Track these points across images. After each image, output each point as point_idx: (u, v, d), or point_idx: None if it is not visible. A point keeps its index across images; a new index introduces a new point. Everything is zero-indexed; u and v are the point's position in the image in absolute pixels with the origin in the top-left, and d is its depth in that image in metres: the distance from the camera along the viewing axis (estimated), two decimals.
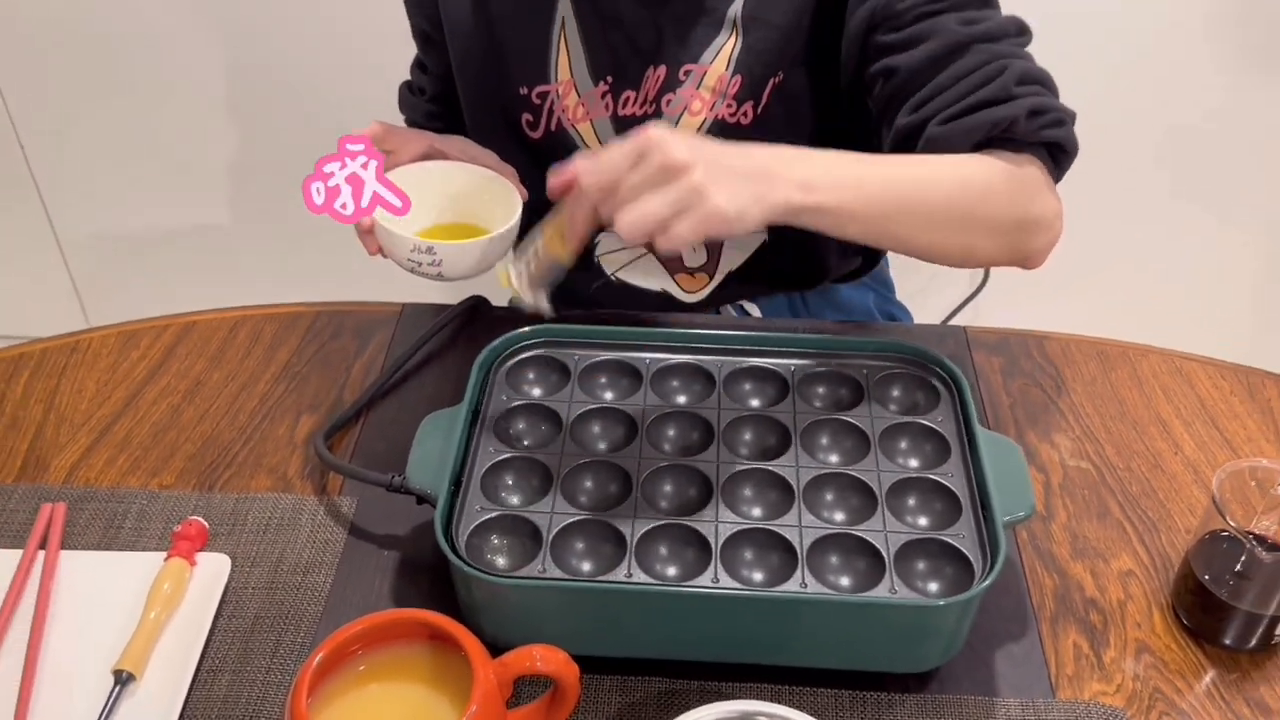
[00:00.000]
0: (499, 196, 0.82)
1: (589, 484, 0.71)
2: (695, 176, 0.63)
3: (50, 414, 0.84)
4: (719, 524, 0.67)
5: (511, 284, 0.72)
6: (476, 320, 0.93)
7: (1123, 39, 1.53)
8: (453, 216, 0.83)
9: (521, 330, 0.80)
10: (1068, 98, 0.81)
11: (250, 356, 0.89)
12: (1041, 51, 0.82)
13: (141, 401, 0.85)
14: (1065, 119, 0.80)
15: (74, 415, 0.84)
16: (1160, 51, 1.53)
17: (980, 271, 1.66)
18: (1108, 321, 1.06)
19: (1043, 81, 0.81)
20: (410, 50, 1.03)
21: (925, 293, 1.57)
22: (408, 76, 1.06)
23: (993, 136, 0.78)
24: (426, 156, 0.85)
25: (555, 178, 0.68)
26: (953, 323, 1.06)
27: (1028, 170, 0.79)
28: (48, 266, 1.86)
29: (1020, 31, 0.83)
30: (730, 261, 0.99)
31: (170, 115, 1.68)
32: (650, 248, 0.92)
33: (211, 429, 0.83)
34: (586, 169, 0.67)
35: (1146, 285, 1.71)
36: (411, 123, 1.03)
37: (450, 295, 0.95)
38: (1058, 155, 0.81)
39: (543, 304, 0.73)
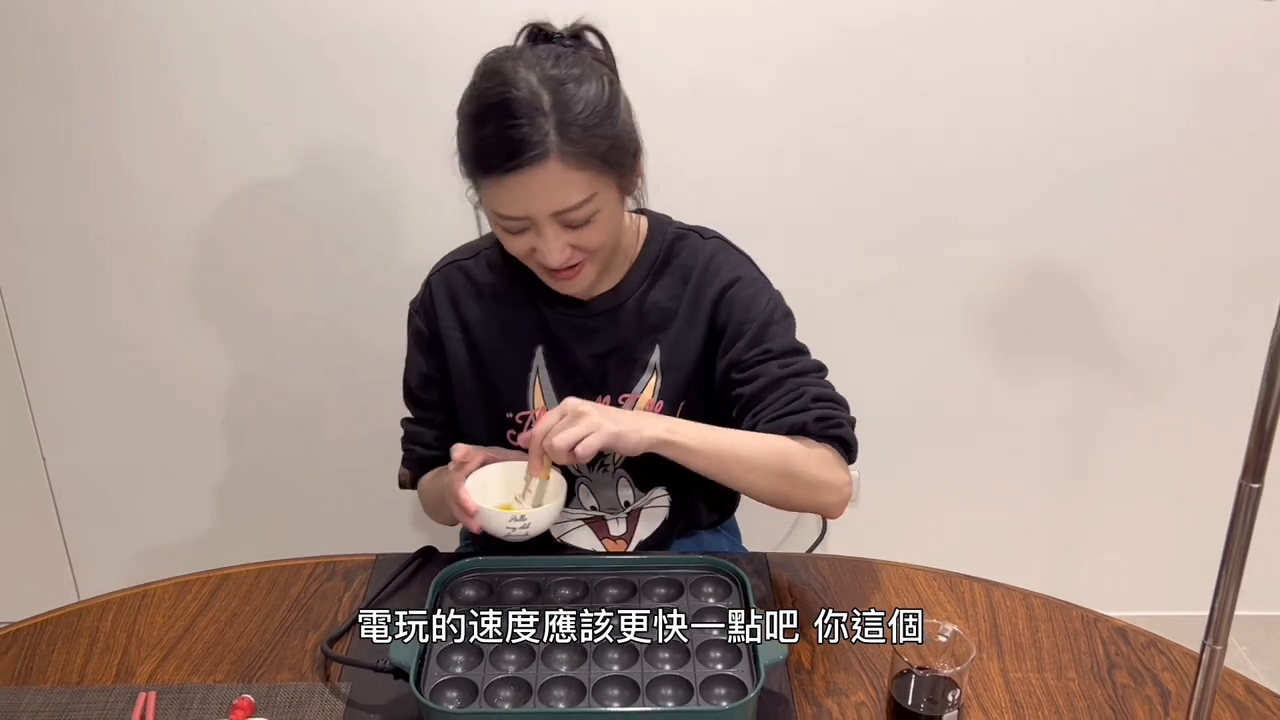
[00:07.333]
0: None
1: (511, 656, 1.10)
2: (594, 416, 1.11)
3: (132, 639, 1.21)
4: (590, 679, 1.06)
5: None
6: (427, 563, 1.33)
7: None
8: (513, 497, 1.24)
9: (462, 562, 1.21)
10: None
11: (271, 594, 1.28)
12: None
13: (196, 628, 1.23)
14: (845, 424, 1.25)
15: (149, 639, 1.21)
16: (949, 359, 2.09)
17: (818, 527, 2.15)
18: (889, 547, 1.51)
19: (833, 399, 1.27)
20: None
21: (788, 540, 2.08)
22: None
23: (794, 433, 1.23)
24: (486, 462, 1.26)
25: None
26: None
27: (819, 451, 1.24)
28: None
29: (819, 369, 1.30)
30: (641, 533, 1.42)
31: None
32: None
33: (248, 643, 1.20)
34: (536, 427, 1.14)
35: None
36: (420, 445, 1.43)
37: (409, 546, 1.36)
38: (846, 448, 1.26)
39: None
